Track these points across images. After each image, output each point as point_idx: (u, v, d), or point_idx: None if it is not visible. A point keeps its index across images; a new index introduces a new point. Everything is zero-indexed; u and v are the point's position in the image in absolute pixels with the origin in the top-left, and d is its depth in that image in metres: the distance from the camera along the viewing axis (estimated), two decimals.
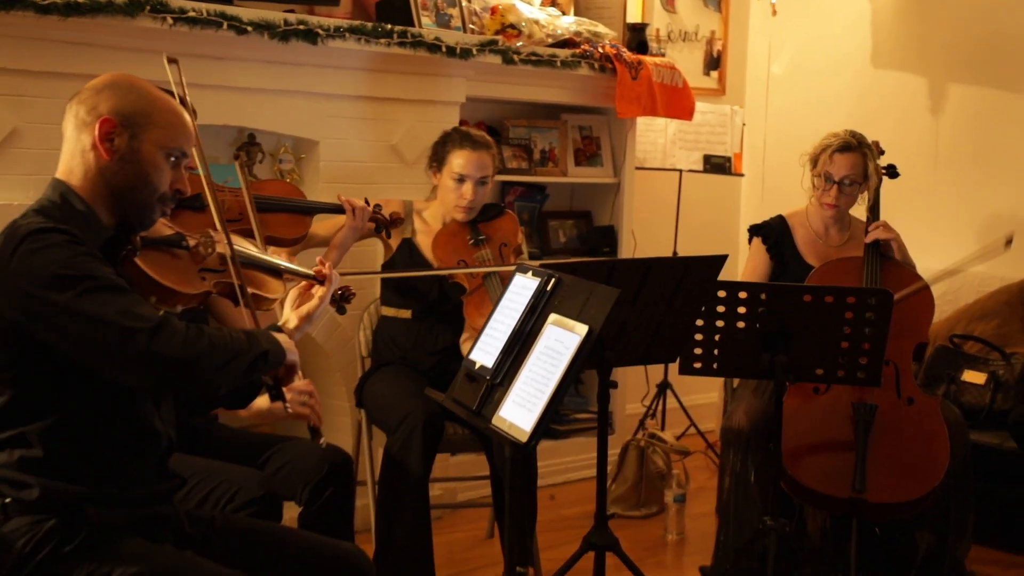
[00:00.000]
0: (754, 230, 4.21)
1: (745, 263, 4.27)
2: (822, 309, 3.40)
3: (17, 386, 2.12)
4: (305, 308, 2.50)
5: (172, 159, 2.23)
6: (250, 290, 2.45)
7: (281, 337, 2.31)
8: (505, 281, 3.79)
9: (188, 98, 2.52)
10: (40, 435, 2.11)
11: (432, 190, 4.01)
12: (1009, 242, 3.93)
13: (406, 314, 3.91)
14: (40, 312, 2.04)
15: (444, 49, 4.39)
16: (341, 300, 2.81)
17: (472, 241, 3.87)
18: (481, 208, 3.94)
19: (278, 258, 2.75)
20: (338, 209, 3.56)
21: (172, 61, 2.59)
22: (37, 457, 2.11)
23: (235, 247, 2.48)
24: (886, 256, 4.00)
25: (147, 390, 2.19)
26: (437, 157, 3.90)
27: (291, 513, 3.02)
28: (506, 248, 3.95)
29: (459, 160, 3.82)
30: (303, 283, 2.61)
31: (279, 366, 2.28)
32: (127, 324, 2.01)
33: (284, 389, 2.41)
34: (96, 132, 2.16)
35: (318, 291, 2.56)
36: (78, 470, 2.13)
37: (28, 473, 2.11)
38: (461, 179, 3.82)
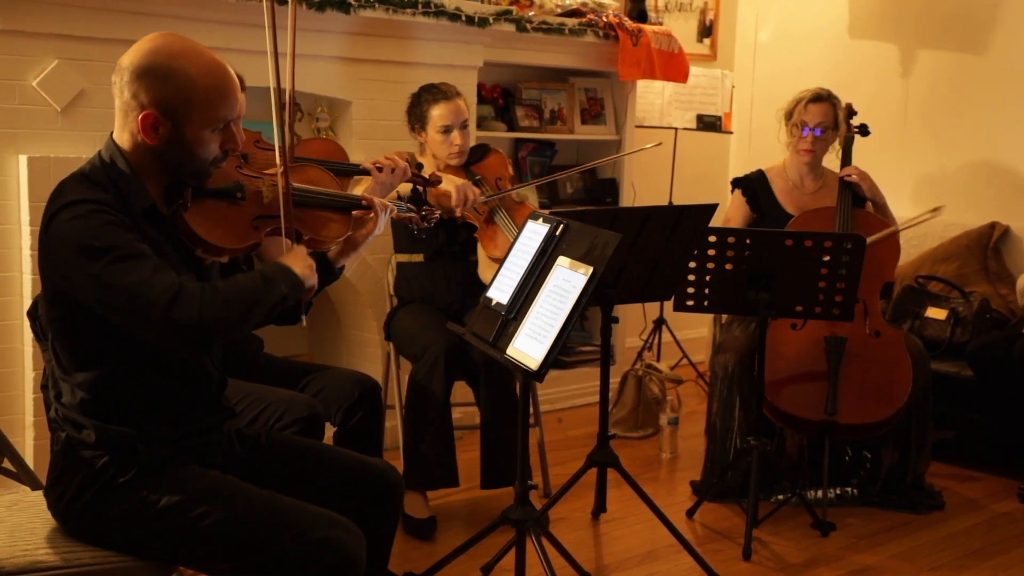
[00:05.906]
0: (735, 183, 4.19)
1: (725, 212, 4.25)
2: (802, 252, 3.41)
3: (68, 338, 2.08)
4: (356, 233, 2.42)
5: (217, 130, 2.10)
6: (307, 236, 2.33)
7: (297, 266, 2.15)
8: (510, 212, 3.81)
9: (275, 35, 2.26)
10: (91, 383, 2.07)
11: (420, 147, 3.96)
12: (935, 211, 3.95)
13: (419, 258, 3.89)
14: (76, 278, 1.97)
15: (464, 18, 4.37)
16: (422, 220, 2.82)
17: (472, 182, 3.85)
18: (469, 151, 3.91)
19: (337, 189, 2.54)
20: (365, 172, 3.46)
21: None
22: (90, 401, 2.08)
23: (296, 188, 2.31)
24: (858, 196, 4.00)
25: (176, 352, 2.08)
26: (417, 117, 3.85)
27: (327, 433, 3.04)
28: (501, 181, 3.93)
29: (439, 112, 3.78)
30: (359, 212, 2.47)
31: (299, 298, 2.16)
32: (146, 296, 1.92)
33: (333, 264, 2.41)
34: (139, 125, 2.03)
35: (371, 218, 2.45)
36: (128, 415, 2.09)
37: (85, 416, 2.08)
38: (447, 129, 3.79)
